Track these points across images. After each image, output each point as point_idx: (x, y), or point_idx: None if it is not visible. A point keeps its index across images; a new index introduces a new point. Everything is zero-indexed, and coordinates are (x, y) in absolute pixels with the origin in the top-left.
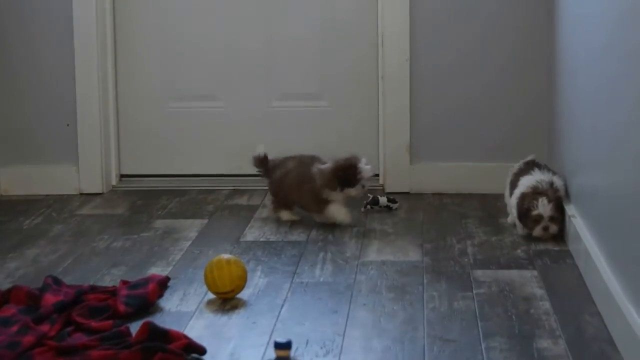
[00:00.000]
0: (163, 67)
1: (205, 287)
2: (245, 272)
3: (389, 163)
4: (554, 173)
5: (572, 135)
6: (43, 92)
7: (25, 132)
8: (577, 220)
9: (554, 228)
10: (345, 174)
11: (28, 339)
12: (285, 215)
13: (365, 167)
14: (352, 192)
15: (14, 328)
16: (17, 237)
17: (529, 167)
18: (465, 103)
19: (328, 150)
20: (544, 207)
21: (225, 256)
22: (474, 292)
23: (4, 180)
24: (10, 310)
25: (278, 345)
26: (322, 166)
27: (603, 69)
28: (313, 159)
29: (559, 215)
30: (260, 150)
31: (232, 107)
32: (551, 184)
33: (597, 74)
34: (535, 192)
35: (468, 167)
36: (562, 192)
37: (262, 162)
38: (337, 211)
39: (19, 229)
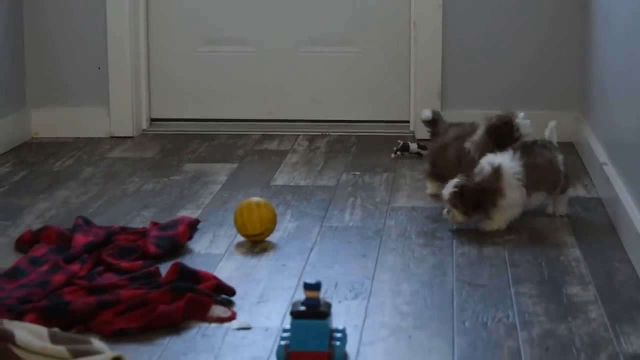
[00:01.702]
0: (194, 10)
1: (234, 230)
2: (275, 215)
3: (420, 109)
4: (530, 163)
5: (605, 82)
6: (74, 35)
7: (56, 75)
8: (608, 168)
9: (453, 214)
10: (500, 133)
11: (58, 278)
12: (432, 188)
13: (524, 122)
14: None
15: (45, 267)
16: (47, 179)
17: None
18: (498, 50)
19: (357, 96)
20: (447, 189)
21: (255, 199)
22: (504, 238)
23: (35, 122)
24: (41, 249)
25: (307, 286)
26: (474, 136)
27: (638, 14)
28: (473, 128)
29: (463, 205)
30: (427, 115)
31: (262, 51)
32: (496, 171)
33: (632, 19)
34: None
35: None
36: (488, 184)
37: (431, 124)
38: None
39: (49, 171)
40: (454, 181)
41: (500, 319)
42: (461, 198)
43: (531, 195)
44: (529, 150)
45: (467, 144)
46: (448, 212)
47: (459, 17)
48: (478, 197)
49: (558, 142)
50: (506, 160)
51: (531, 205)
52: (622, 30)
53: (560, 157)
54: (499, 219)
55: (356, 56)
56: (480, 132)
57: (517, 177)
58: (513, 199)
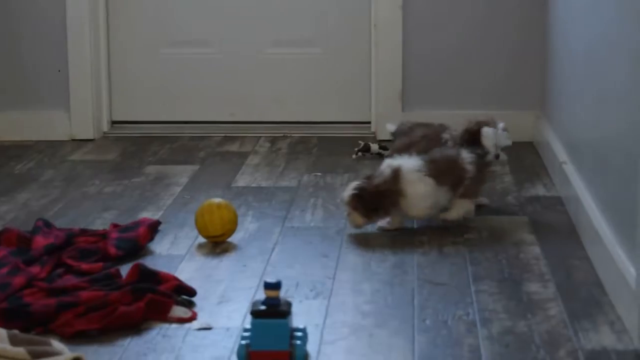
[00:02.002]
0: (156, 12)
1: (196, 231)
2: (235, 216)
3: (381, 110)
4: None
5: (564, 82)
6: (34, 37)
7: (17, 78)
8: (567, 167)
9: (353, 217)
10: (473, 138)
11: (18, 280)
12: None
13: (490, 132)
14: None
15: (4, 270)
16: (8, 182)
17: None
18: (459, 51)
19: (319, 98)
20: (346, 192)
21: (216, 200)
22: (464, 237)
23: None
24: (1, 252)
25: (268, 286)
26: (453, 132)
27: (597, 20)
28: (442, 129)
29: (362, 208)
30: (391, 128)
31: (225, 53)
32: (395, 172)
33: (591, 22)
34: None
35: (460, 115)
36: (387, 186)
37: (395, 135)
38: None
39: (10, 174)
40: (353, 184)
41: (460, 317)
42: (360, 201)
43: (439, 187)
44: (431, 149)
45: (446, 136)
46: (348, 214)
47: (419, 19)
48: (377, 200)
49: (518, 142)
50: (405, 160)
51: (440, 202)
52: (580, 30)
53: (467, 157)
54: (415, 212)
55: (318, 57)
56: (460, 131)
57: (419, 171)
58: (418, 193)
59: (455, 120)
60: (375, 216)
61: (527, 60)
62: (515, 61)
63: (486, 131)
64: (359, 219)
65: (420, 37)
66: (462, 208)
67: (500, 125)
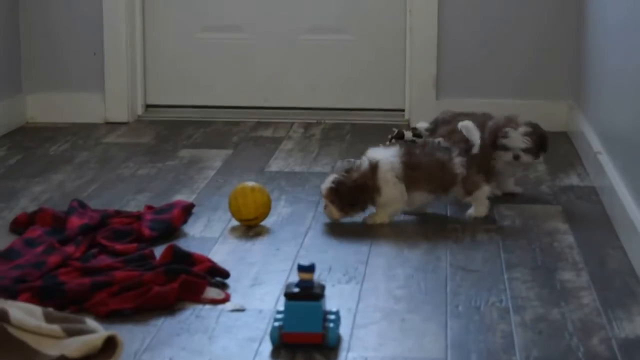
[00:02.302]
0: None
1: (229, 215)
2: (269, 200)
3: (415, 98)
4: (405, 152)
5: (599, 72)
6: (71, 20)
7: (53, 60)
8: (602, 157)
9: (329, 210)
10: (490, 137)
11: (53, 259)
12: None
13: (469, 125)
14: (498, 158)
15: (40, 248)
16: (43, 163)
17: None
18: (493, 39)
19: (352, 84)
20: (324, 184)
21: (250, 184)
22: (498, 225)
23: (30, 107)
24: (36, 231)
25: (301, 268)
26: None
27: (637, 6)
28: (486, 117)
29: (339, 201)
30: (423, 126)
31: (259, 39)
32: (373, 167)
33: (627, 10)
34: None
35: (494, 104)
36: (364, 181)
37: (431, 132)
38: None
39: (44, 155)
40: (331, 177)
41: (493, 303)
42: (337, 194)
43: (412, 193)
44: (415, 149)
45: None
46: (325, 207)
47: (455, 5)
48: (354, 194)
49: (551, 132)
50: (387, 157)
51: (413, 204)
52: (617, 19)
53: (457, 160)
54: (382, 214)
55: (352, 44)
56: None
57: (394, 174)
58: (390, 196)
59: (486, 108)
60: (351, 210)
61: (561, 49)
62: (549, 50)
63: (464, 124)
64: (336, 212)
65: (455, 24)
66: (482, 200)
67: (520, 129)
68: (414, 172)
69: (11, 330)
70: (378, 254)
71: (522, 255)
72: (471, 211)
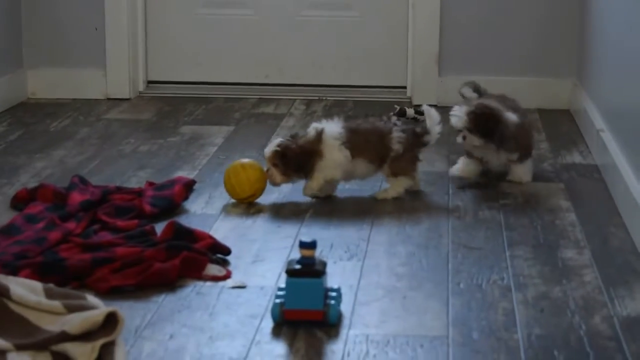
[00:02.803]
0: None
1: None
2: (263, 174)
3: (417, 75)
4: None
5: (602, 50)
6: None
7: (53, 36)
8: (605, 135)
9: (272, 174)
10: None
11: (54, 235)
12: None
13: (433, 113)
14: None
15: (41, 224)
16: (44, 139)
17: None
18: (496, 16)
19: (355, 61)
20: (269, 148)
21: (242, 161)
22: (500, 202)
23: (31, 83)
24: (37, 207)
25: (303, 245)
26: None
27: None
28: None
29: (283, 165)
30: (467, 93)
31: (261, 14)
32: (319, 133)
33: None
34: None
35: (496, 81)
36: (310, 146)
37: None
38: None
39: (45, 131)
40: (277, 140)
41: (495, 281)
42: (282, 158)
43: (354, 159)
44: (359, 120)
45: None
46: (267, 170)
47: None
48: (299, 159)
49: (554, 109)
50: (332, 125)
51: (355, 172)
52: (617, 1)
53: (396, 134)
54: (317, 179)
55: (355, 21)
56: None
57: (339, 140)
58: (332, 160)
59: (489, 85)
60: (294, 176)
61: (564, 27)
62: (552, 28)
63: (428, 110)
64: (278, 176)
65: (458, 2)
66: (397, 187)
67: (464, 108)
68: (355, 137)
69: (12, 306)
70: (380, 231)
71: (524, 233)
72: (382, 190)
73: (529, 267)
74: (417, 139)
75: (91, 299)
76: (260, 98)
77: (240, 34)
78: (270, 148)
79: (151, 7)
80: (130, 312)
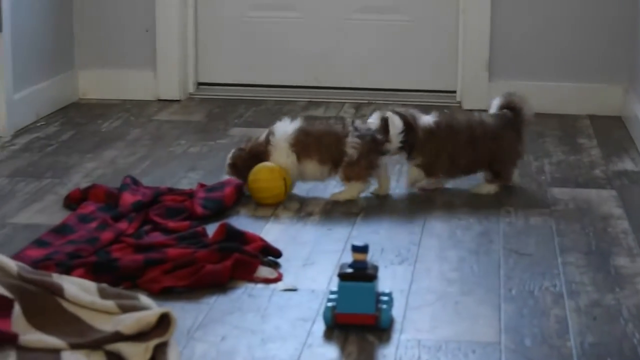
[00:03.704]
0: None
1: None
2: (270, 170)
3: (467, 79)
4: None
5: None
6: None
7: (105, 37)
8: None
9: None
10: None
11: (107, 235)
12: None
13: (397, 123)
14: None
15: (93, 224)
16: (95, 139)
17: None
18: (547, 22)
19: (404, 65)
20: (227, 162)
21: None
22: (551, 209)
23: (82, 83)
24: (90, 207)
25: (355, 249)
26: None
27: None
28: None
29: (240, 175)
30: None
31: (311, 17)
32: (268, 134)
33: None
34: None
35: (547, 87)
36: (258, 148)
37: None
38: None
39: (96, 131)
40: (230, 152)
41: (547, 288)
42: (236, 168)
43: (303, 161)
44: (315, 121)
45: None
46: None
47: None
48: (250, 164)
49: (605, 116)
50: (284, 126)
51: (305, 174)
52: None
53: (351, 139)
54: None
55: (405, 25)
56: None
57: (286, 142)
58: (278, 161)
59: (539, 91)
60: None
61: (616, 32)
62: (604, 33)
63: (392, 118)
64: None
65: (508, 7)
66: (351, 191)
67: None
68: (305, 139)
69: (66, 305)
70: (430, 236)
71: (575, 239)
72: (337, 192)
73: (581, 274)
74: (375, 146)
75: (144, 299)
76: (309, 101)
77: (290, 37)
78: (226, 162)
79: (201, 10)
80: (182, 313)
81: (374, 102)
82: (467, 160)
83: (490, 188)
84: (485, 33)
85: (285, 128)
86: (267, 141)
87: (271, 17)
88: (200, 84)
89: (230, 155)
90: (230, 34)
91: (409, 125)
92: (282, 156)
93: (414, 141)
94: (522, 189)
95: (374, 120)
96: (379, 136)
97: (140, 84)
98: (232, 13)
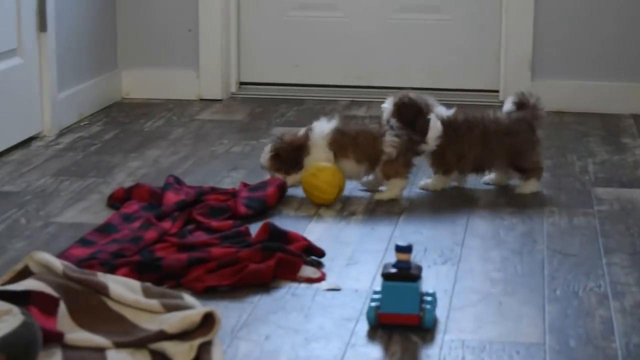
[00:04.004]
0: None
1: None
2: (337, 174)
3: (510, 79)
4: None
5: None
6: None
7: (148, 37)
8: None
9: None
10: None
11: (150, 234)
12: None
13: (437, 125)
14: None
15: (137, 223)
16: (138, 139)
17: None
18: (591, 19)
19: (446, 64)
20: (264, 156)
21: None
22: (595, 209)
23: (126, 83)
24: (133, 206)
25: (399, 249)
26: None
27: None
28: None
29: (282, 166)
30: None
31: (352, 17)
32: (308, 130)
33: None
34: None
35: (590, 86)
36: (298, 141)
37: None
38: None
39: (139, 131)
40: (268, 147)
41: (591, 289)
42: (278, 159)
43: (340, 160)
44: (350, 121)
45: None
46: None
47: None
48: (292, 154)
49: None
50: (322, 124)
51: (344, 173)
52: None
53: (389, 138)
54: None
55: (446, 24)
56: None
57: (325, 140)
58: (316, 158)
59: (583, 90)
60: (293, 172)
61: None
62: None
63: (434, 122)
64: (287, 178)
65: (551, 5)
66: (393, 189)
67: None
68: (342, 139)
69: (110, 304)
70: (473, 236)
71: (620, 240)
72: (380, 190)
73: (626, 275)
74: (411, 145)
75: (188, 298)
76: (352, 100)
77: (331, 36)
78: (265, 157)
79: (244, 10)
80: (226, 312)
81: None
82: (476, 157)
83: (532, 186)
84: (528, 31)
85: (322, 127)
86: (307, 136)
87: (313, 16)
88: (242, 83)
89: (268, 148)
90: (272, 33)
91: (420, 111)
92: (319, 151)
93: (424, 127)
94: (565, 189)
95: (387, 106)
96: (416, 137)
97: (182, 84)
98: (274, 13)
